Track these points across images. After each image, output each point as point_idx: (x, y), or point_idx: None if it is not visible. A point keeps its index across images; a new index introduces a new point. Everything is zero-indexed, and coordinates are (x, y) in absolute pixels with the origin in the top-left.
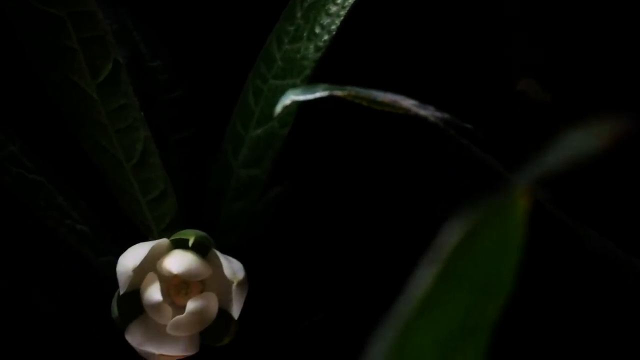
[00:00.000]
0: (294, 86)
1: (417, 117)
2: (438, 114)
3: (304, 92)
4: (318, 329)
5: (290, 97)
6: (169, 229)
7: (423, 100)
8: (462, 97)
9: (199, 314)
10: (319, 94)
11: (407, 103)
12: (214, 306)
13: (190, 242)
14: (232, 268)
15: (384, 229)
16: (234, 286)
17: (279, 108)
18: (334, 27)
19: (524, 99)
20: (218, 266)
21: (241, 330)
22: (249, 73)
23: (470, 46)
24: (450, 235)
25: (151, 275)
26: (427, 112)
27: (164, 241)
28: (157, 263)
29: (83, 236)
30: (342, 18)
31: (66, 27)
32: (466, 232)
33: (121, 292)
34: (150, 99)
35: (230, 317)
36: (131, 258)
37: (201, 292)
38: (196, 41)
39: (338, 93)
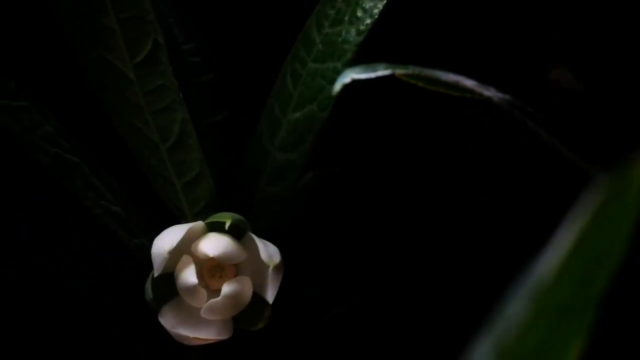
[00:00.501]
0: (334, 70)
1: (479, 99)
2: (500, 95)
3: (365, 71)
4: (348, 317)
5: (350, 76)
6: (202, 212)
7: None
8: (495, 86)
9: (234, 297)
10: (381, 72)
11: (469, 83)
12: (248, 290)
13: (227, 225)
14: (268, 252)
15: (419, 217)
16: (270, 270)
17: (337, 87)
18: (376, 10)
19: (557, 88)
20: (253, 250)
21: (272, 315)
22: (282, 55)
23: (503, 35)
24: (586, 205)
25: (186, 257)
26: (490, 92)
27: (199, 224)
28: (192, 246)
29: (118, 218)
30: (384, 1)
31: (105, 6)
32: (598, 203)
33: (155, 275)
34: (183, 82)
35: (264, 301)
36: (167, 240)
37: (235, 275)
38: (230, 24)
39: (400, 72)
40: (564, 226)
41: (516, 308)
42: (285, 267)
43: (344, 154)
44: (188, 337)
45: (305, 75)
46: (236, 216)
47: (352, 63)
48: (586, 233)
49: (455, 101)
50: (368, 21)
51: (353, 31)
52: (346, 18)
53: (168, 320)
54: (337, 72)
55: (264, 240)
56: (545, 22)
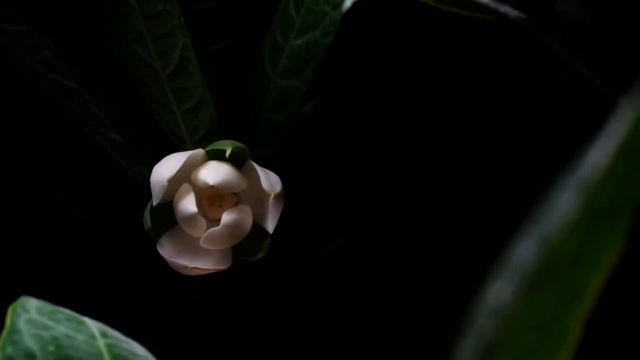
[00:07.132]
0: None
1: (495, 14)
2: (515, 13)
3: None
4: (349, 249)
5: None
6: (203, 140)
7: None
8: None
9: (234, 226)
10: None
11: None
12: (248, 219)
13: (227, 153)
14: (269, 180)
15: (421, 146)
16: (270, 199)
17: (348, 3)
18: None
19: (563, 19)
20: (254, 178)
21: (273, 245)
22: None
23: None
24: (624, 121)
25: (185, 186)
26: (506, 9)
27: (199, 151)
28: (192, 174)
29: (117, 145)
30: None
31: None
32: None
33: (154, 203)
34: (185, 9)
35: (264, 231)
36: (166, 167)
37: (235, 205)
38: None
39: None
40: (614, 120)
41: (565, 204)
42: (286, 197)
43: (345, 82)
44: (187, 267)
45: (308, 1)
46: (237, 144)
47: None
48: (632, 143)
49: (457, 29)
50: None
51: None
52: None
53: (166, 250)
54: None
55: (265, 169)
56: None
